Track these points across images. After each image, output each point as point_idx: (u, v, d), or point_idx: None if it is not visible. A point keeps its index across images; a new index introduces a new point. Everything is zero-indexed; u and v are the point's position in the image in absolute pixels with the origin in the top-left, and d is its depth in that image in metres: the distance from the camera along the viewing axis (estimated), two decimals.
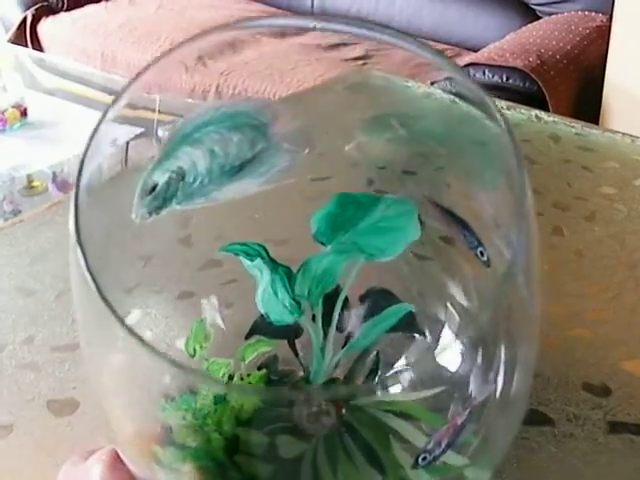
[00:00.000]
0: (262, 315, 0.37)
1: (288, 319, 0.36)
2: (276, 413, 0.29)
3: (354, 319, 0.37)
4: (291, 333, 0.37)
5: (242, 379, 0.36)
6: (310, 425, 0.30)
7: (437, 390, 0.27)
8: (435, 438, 0.29)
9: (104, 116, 0.25)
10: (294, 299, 0.36)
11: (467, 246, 0.35)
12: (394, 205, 0.34)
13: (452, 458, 0.28)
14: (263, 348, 0.37)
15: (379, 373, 0.36)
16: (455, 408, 0.30)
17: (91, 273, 0.22)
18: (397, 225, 0.34)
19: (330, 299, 0.37)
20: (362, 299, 0.37)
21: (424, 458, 0.29)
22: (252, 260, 0.36)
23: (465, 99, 0.28)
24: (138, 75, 0.26)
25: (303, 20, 0.29)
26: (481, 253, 0.34)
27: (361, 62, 2.30)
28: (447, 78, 0.29)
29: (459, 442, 0.28)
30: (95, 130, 0.24)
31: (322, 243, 0.35)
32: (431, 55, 0.27)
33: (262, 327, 0.37)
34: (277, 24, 0.27)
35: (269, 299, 0.36)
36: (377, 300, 0.37)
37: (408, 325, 0.36)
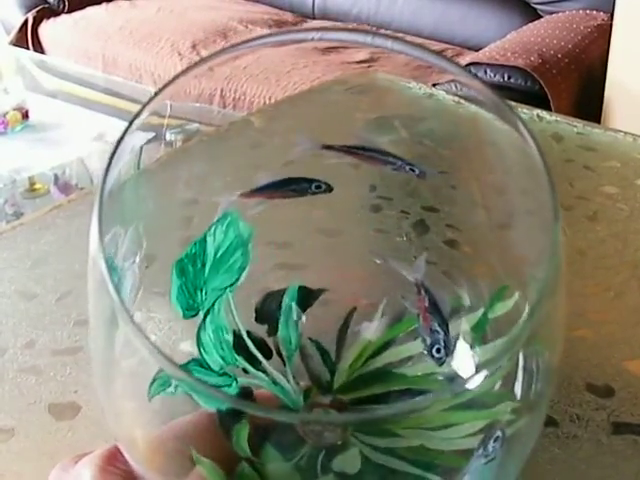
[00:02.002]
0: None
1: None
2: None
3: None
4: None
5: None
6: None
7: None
8: None
9: (129, 126, 0.25)
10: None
11: (430, 338, 0.34)
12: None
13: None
14: None
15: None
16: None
17: (117, 291, 0.22)
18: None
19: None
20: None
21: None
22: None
23: (483, 107, 0.27)
24: (164, 87, 0.26)
25: (318, 33, 0.29)
26: (437, 350, 0.34)
27: (366, 65, 2.30)
28: (452, 80, 0.29)
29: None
30: (120, 139, 0.24)
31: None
32: (448, 65, 0.27)
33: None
34: (286, 39, 0.27)
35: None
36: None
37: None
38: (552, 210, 0.24)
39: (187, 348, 0.36)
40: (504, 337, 0.32)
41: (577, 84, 2.08)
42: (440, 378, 0.35)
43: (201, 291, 0.28)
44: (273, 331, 0.34)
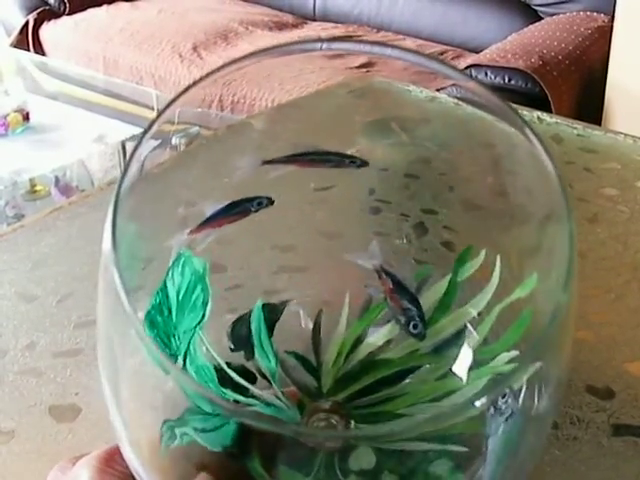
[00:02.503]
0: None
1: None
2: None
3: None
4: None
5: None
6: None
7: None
8: None
9: (145, 134, 0.25)
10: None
11: (405, 316, 0.34)
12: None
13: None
14: None
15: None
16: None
17: (128, 295, 0.22)
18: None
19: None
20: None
21: None
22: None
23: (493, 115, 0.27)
24: (179, 95, 0.26)
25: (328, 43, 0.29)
26: (414, 326, 0.34)
27: (365, 70, 2.30)
28: (453, 85, 0.29)
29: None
30: (136, 147, 0.24)
31: None
32: (450, 71, 0.27)
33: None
34: (294, 49, 0.27)
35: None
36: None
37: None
38: (566, 219, 0.24)
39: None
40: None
41: (577, 86, 2.08)
42: (425, 352, 0.35)
43: (174, 337, 0.28)
44: (250, 355, 0.34)
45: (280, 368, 0.33)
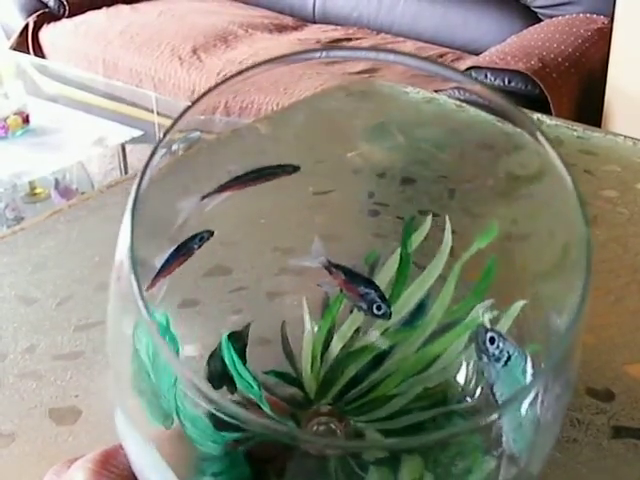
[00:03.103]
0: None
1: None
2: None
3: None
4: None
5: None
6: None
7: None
8: None
9: (161, 140, 0.25)
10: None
11: (365, 302, 0.35)
12: None
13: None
14: None
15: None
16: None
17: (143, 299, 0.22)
18: None
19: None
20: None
21: None
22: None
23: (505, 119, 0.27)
24: (197, 100, 0.26)
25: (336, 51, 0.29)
26: (378, 307, 0.34)
27: (366, 75, 2.30)
28: (456, 87, 0.29)
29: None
30: (152, 154, 0.24)
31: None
32: (455, 75, 0.27)
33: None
34: (296, 59, 0.27)
35: None
36: None
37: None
38: (583, 224, 0.24)
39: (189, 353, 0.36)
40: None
41: (577, 88, 2.08)
42: (396, 328, 0.35)
43: (163, 398, 0.28)
44: (233, 388, 0.33)
45: (264, 391, 0.33)
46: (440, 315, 0.34)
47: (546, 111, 1.87)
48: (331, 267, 0.35)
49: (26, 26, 2.92)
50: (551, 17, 2.47)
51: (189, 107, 0.25)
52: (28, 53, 2.89)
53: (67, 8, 2.96)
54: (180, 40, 2.71)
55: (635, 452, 0.45)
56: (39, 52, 2.93)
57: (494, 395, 0.31)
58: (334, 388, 0.35)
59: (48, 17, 2.95)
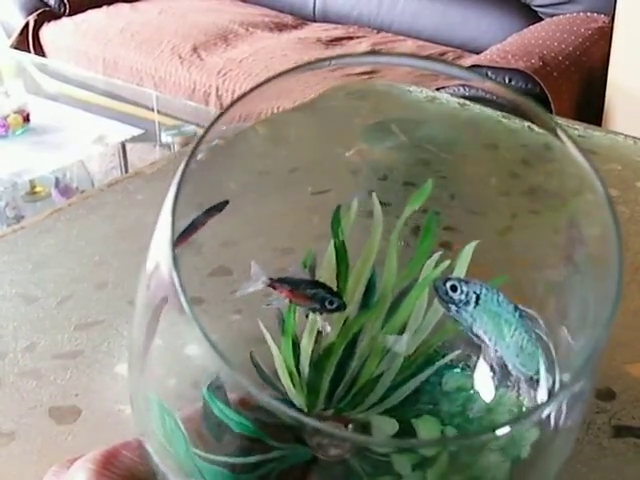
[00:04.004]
0: None
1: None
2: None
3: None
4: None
5: None
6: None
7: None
8: None
9: (195, 149, 0.25)
10: None
11: (316, 302, 0.35)
12: None
13: None
14: None
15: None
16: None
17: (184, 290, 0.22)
18: None
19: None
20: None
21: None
22: None
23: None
24: (229, 106, 0.26)
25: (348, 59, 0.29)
26: (330, 302, 0.34)
27: (367, 76, 2.30)
28: (460, 84, 0.29)
29: None
30: (190, 159, 0.24)
31: None
32: (463, 73, 0.27)
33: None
34: (305, 69, 0.27)
35: None
36: None
37: None
38: (614, 232, 0.24)
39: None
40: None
41: (578, 87, 2.08)
42: (355, 315, 0.35)
43: (186, 465, 0.28)
44: (233, 438, 0.33)
45: (259, 426, 0.33)
46: (391, 286, 0.35)
47: (546, 110, 1.86)
48: (274, 283, 0.35)
49: (26, 24, 2.91)
50: (552, 16, 2.47)
51: (218, 117, 0.25)
52: (28, 52, 2.89)
53: (67, 6, 2.96)
54: (180, 38, 2.71)
55: (636, 451, 0.45)
56: (39, 51, 2.93)
57: (477, 336, 0.32)
58: (321, 394, 0.35)
59: (48, 15, 2.95)
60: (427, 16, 2.75)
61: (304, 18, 3.02)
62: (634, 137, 0.78)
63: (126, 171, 2.41)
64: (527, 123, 0.27)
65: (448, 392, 0.34)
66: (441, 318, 0.34)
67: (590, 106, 2.10)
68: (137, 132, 2.36)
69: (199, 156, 0.25)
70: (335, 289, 0.35)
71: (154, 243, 0.24)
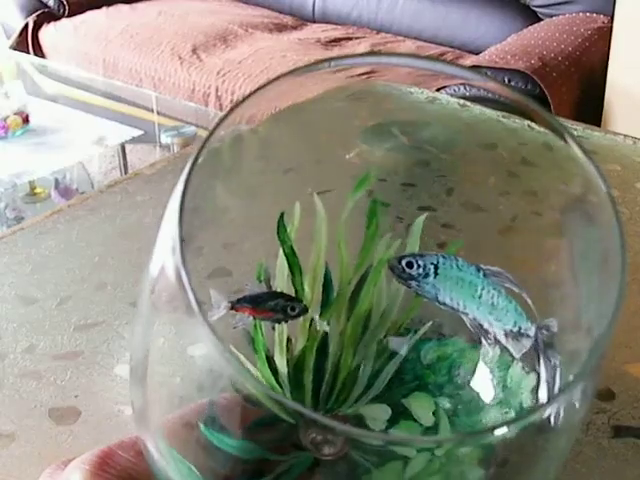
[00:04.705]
0: None
1: None
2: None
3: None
4: None
5: None
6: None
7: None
8: None
9: (200, 151, 0.25)
10: None
11: (279, 311, 0.35)
12: None
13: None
14: None
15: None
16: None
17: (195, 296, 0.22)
18: None
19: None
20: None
21: None
22: None
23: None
24: (233, 108, 0.26)
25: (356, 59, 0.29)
26: (292, 308, 0.34)
27: (366, 77, 2.30)
28: (460, 84, 0.29)
29: None
30: (195, 159, 0.24)
31: None
32: (466, 73, 0.27)
33: None
34: (305, 71, 0.27)
35: None
36: None
37: None
38: (617, 231, 0.24)
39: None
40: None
41: (577, 87, 2.08)
42: (319, 314, 0.35)
43: None
44: (233, 458, 0.33)
45: (253, 444, 0.33)
46: (348, 278, 0.35)
47: (546, 110, 1.86)
48: (235, 305, 0.35)
49: (26, 26, 2.92)
50: (551, 16, 2.47)
51: (222, 120, 0.25)
52: (28, 53, 2.89)
53: (67, 8, 2.96)
54: (180, 39, 2.71)
55: (635, 452, 0.45)
56: (39, 52, 2.93)
57: (444, 304, 0.32)
58: (306, 400, 0.35)
59: (48, 17, 2.95)
60: (426, 17, 2.75)
61: (303, 19, 3.02)
62: (634, 137, 0.78)
63: (126, 172, 2.41)
64: (527, 122, 0.27)
65: (430, 365, 0.34)
66: (405, 296, 0.34)
67: (589, 106, 2.10)
68: (137, 133, 2.36)
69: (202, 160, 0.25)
70: (294, 295, 0.35)
71: (159, 245, 0.24)
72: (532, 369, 0.31)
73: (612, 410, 0.47)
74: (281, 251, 0.35)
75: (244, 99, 0.26)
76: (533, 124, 0.26)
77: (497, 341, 0.32)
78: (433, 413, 0.32)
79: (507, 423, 0.21)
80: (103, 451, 0.29)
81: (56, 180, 2.28)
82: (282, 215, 0.34)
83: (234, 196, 0.35)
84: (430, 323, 0.34)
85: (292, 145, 0.37)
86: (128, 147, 2.42)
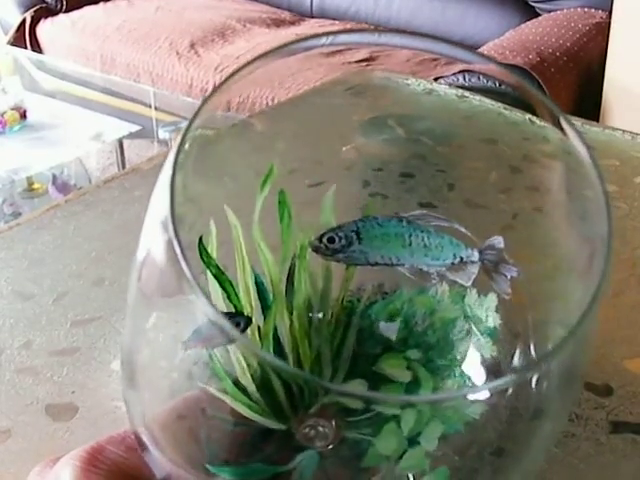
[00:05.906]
0: None
1: None
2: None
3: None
4: None
5: None
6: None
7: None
8: None
9: (183, 141, 0.24)
10: None
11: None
12: None
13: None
14: None
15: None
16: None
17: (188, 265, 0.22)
18: None
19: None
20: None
21: None
22: None
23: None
24: (211, 94, 0.25)
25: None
26: (237, 324, 0.34)
27: (365, 64, 2.30)
28: (462, 71, 0.28)
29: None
30: (178, 151, 0.24)
31: None
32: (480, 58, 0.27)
33: None
34: (298, 47, 0.27)
35: None
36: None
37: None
38: (607, 227, 0.24)
39: None
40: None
41: (575, 82, 2.08)
42: (258, 325, 0.35)
43: None
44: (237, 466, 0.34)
45: (260, 464, 0.33)
46: (277, 275, 0.35)
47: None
48: (188, 344, 0.35)
49: (23, 21, 2.91)
50: (549, 12, 2.47)
51: (204, 102, 0.25)
52: (25, 48, 2.89)
53: (64, 3, 2.96)
54: (178, 35, 2.71)
55: (633, 447, 0.45)
56: (36, 47, 2.93)
57: (377, 264, 0.32)
58: (284, 406, 0.34)
59: (45, 12, 2.95)
60: (425, 12, 2.75)
61: (301, 14, 3.02)
62: (632, 132, 0.78)
63: (123, 167, 2.41)
64: (528, 116, 0.27)
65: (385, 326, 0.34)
66: (338, 270, 0.34)
67: (588, 102, 2.10)
68: (134, 128, 2.36)
69: (193, 150, 0.25)
70: (233, 310, 0.35)
71: (145, 227, 0.24)
72: (490, 290, 0.31)
73: (610, 406, 0.47)
74: (209, 273, 0.34)
75: (226, 79, 0.25)
76: (534, 118, 0.26)
77: (443, 277, 0.32)
78: (408, 368, 0.32)
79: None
80: (93, 447, 0.29)
81: (53, 176, 2.28)
82: (200, 239, 0.34)
83: (230, 189, 0.35)
84: (370, 286, 0.34)
85: (290, 139, 0.37)
86: (126, 142, 2.41)
